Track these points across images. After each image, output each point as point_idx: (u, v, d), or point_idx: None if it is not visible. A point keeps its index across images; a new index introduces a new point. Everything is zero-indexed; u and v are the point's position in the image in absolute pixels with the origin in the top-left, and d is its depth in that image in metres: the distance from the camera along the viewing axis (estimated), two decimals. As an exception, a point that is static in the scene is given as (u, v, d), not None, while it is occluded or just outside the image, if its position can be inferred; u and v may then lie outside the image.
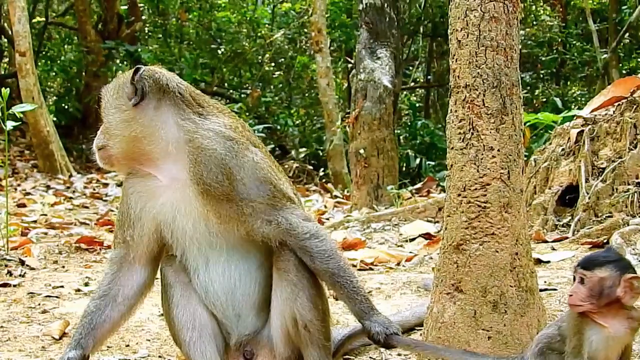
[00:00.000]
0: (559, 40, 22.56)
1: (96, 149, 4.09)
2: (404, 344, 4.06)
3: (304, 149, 22.21)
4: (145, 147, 3.96)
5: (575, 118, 7.72)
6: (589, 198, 6.71)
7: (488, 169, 4.01)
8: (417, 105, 24.87)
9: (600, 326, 3.36)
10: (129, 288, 4.17)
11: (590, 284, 3.33)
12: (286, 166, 20.70)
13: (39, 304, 5.72)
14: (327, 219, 10.41)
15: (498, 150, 4.01)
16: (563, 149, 7.35)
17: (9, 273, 6.66)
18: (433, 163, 18.15)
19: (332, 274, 3.93)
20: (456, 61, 4.11)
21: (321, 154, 21.64)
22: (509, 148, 4.02)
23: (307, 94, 25.71)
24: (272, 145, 21.92)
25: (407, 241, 7.81)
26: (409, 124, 21.40)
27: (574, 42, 22.27)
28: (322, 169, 20.15)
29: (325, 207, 12.68)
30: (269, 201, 3.94)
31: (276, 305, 4.01)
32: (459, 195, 4.09)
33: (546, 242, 6.62)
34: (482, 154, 4.02)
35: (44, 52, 25.75)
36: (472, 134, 4.04)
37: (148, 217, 4.04)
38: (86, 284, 6.32)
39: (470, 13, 4.02)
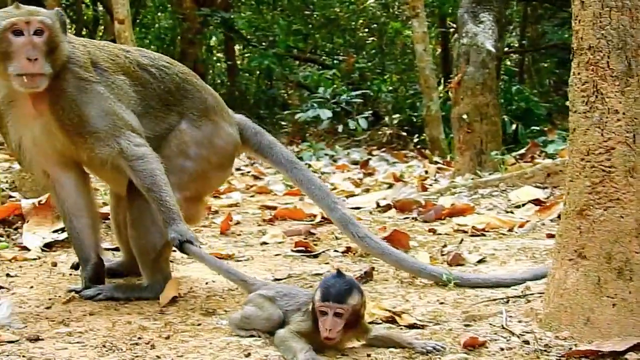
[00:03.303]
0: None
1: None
2: (193, 253, 4.46)
3: (397, 115, 22.07)
4: None
5: None
6: None
7: (613, 132, 3.94)
8: (512, 70, 24.50)
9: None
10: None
11: (347, 315, 3.43)
12: (380, 132, 20.62)
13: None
14: (430, 184, 10.33)
15: (623, 113, 3.93)
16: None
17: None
18: (534, 129, 17.83)
19: (148, 189, 4.51)
20: (579, 22, 4.04)
21: (415, 120, 21.48)
22: (634, 111, 3.94)
23: (400, 60, 25.57)
24: (370, 112, 21.70)
25: (516, 207, 7.70)
26: (504, 89, 21.13)
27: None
28: (416, 135, 20.00)
29: (427, 172, 12.57)
30: (110, 130, 4.50)
31: None
32: (582, 159, 4.02)
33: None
34: (607, 117, 3.95)
35: (138, 20, 26.06)
36: (596, 96, 3.96)
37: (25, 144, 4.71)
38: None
39: (594, -27, 3.95)
